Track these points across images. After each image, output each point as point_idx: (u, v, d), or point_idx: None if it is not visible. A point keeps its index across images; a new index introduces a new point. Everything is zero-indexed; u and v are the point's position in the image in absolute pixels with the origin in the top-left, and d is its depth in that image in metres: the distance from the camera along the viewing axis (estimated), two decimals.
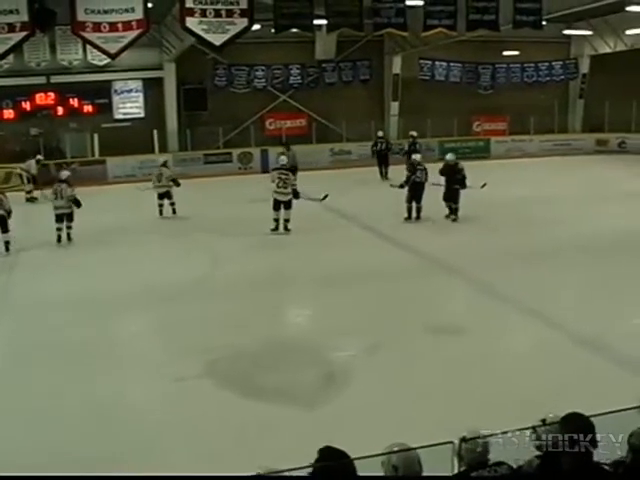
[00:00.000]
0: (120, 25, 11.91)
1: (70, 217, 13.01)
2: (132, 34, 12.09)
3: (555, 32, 22.54)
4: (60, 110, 21.28)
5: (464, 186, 13.71)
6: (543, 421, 3.56)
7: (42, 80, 20.87)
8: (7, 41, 11.70)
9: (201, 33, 12.25)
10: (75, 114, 21.45)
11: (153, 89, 22.28)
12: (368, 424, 5.50)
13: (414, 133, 20.79)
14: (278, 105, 23.98)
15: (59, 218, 12.97)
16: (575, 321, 8.10)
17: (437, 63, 24.66)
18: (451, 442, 3.48)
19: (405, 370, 6.88)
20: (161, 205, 15.33)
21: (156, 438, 5.74)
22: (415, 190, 13.98)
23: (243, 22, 12.28)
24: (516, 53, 25.01)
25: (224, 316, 8.67)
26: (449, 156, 14.45)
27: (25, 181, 18.38)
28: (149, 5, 12.27)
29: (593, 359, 7.10)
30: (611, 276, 9.80)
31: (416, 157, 14.81)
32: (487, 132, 25.48)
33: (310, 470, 3.12)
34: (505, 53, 24.97)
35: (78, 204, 12.95)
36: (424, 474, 3.35)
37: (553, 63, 25.90)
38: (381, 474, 3.34)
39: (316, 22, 14.99)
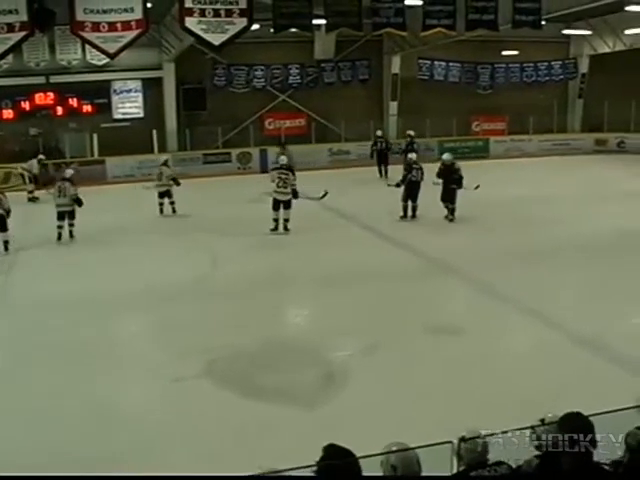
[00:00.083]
0: (119, 25, 11.90)
1: (72, 215, 13.15)
2: (131, 34, 12.08)
3: (554, 32, 22.54)
4: (59, 110, 21.29)
5: (460, 186, 13.73)
6: (542, 421, 3.57)
7: (41, 80, 20.88)
8: (6, 41, 11.68)
9: (200, 33, 12.25)
10: (74, 114, 21.46)
11: (152, 89, 22.28)
12: (367, 424, 5.50)
13: (411, 132, 20.83)
14: (277, 105, 24.00)
15: (61, 216, 13.08)
16: (574, 321, 8.10)
17: (436, 63, 24.68)
18: (450, 442, 3.49)
19: (405, 370, 6.89)
20: (161, 204, 15.48)
21: (156, 438, 5.74)
22: (411, 189, 14.09)
23: (242, 22, 12.28)
24: (515, 53, 25.03)
25: (224, 316, 8.68)
26: (446, 156, 14.49)
27: (27, 181, 18.39)
28: (148, 5, 12.26)
29: (593, 359, 7.11)
30: (610, 276, 9.81)
31: (412, 156, 14.88)
32: (486, 132, 25.50)
33: (315, 468, 3.12)
34: (504, 53, 24.99)
35: (80, 203, 13.08)
36: (423, 474, 3.35)
37: (552, 63, 25.92)
38: (380, 474, 3.34)
39: (315, 22, 14.99)
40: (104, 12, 11.80)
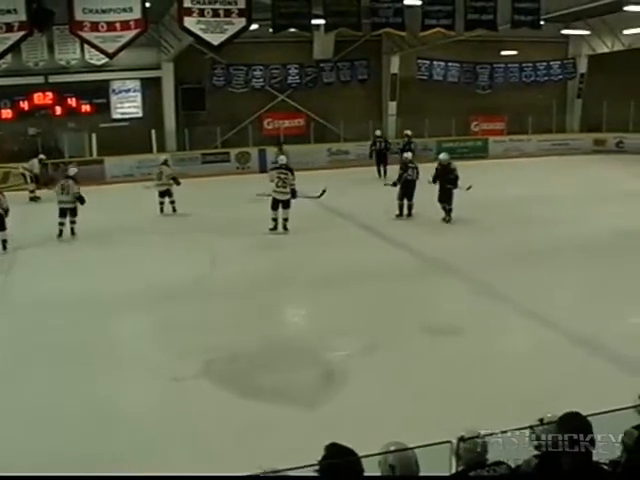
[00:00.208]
0: (118, 25, 11.91)
1: (73, 212, 13.30)
2: (130, 34, 12.09)
3: (553, 32, 22.54)
4: (58, 110, 21.27)
5: (455, 186, 13.74)
6: (541, 421, 3.57)
7: (40, 80, 20.86)
8: (5, 41, 11.69)
9: (199, 33, 12.27)
10: (73, 114, 21.44)
11: (151, 89, 22.27)
12: (366, 424, 5.51)
13: (408, 132, 20.90)
14: (276, 105, 24.00)
15: (62, 213, 13.23)
16: (573, 321, 8.10)
17: (435, 63, 24.68)
18: (449, 442, 3.50)
19: (403, 370, 6.90)
20: (162, 203, 15.60)
21: (156, 438, 5.75)
22: (406, 188, 14.25)
23: (241, 22, 12.30)
24: (514, 53, 25.04)
25: (223, 316, 8.69)
26: (442, 155, 14.53)
27: (28, 180, 18.39)
28: (147, 5, 12.27)
29: (592, 359, 7.12)
30: (610, 276, 9.82)
31: (407, 155, 15.02)
32: (485, 132, 25.51)
33: (316, 467, 3.13)
34: (503, 53, 25.00)
35: (82, 201, 13.25)
36: (422, 474, 3.36)
37: (551, 63, 25.93)
38: (378, 474, 3.35)
39: (314, 22, 14.99)
40: (103, 12, 11.82)
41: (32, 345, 7.79)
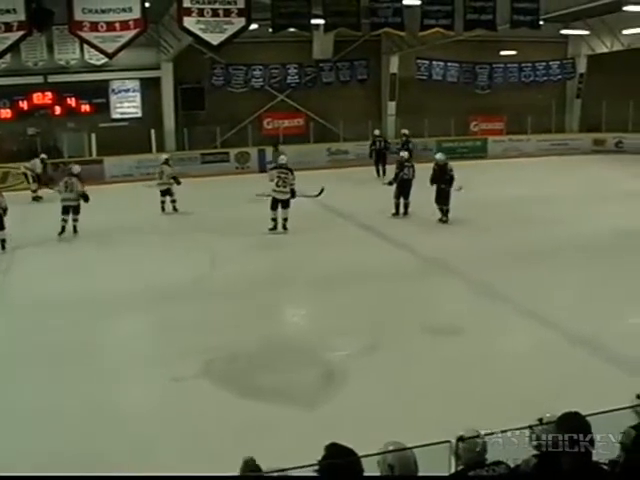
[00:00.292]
0: (117, 25, 11.91)
1: (76, 210, 13.39)
2: (129, 34, 12.09)
3: (552, 32, 22.53)
4: (57, 110, 21.26)
5: (451, 186, 13.73)
6: (540, 420, 3.57)
7: (39, 80, 20.85)
8: (4, 40, 11.68)
9: (199, 33, 12.26)
10: (72, 114, 21.43)
11: (150, 89, 22.25)
12: (366, 424, 5.51)
13: (406, 131, 20.93)
14: (276, 105, 24.00)
15: (65, 210, 13.30)
16: (573, 321, 8.11)
17: (434, 63, 24.67)
18: (448, 441, 3.50)
19: (403, 370, 6.90)
20: (163, 202, 15.73)
21: (156, 438, 5.75)
22: (403, 187, 14.39)
23: (240, 22, 12.29)
24: (513, 53, 25.05)
25: (223, 316, 8.69)
26: (439, 155, 14.56)
27: (30, 180, 18.38)
28: (146, 5, 12.27)
29: (592, 359, 7.13)
30: (610, 276, 9.83)
31: (403, 155, 15.13)
32: (484, 132, 25.51)
33: (316, 467, 3.13)
34: (502, 53, 25.00)
35: (87, 198, 13.34)
36: (421, 473, 3.36)
37: (550, 63, 25.93)
38: (377, 474, 3.35)
39: (313, 22, 15.01)
40: (102, 12, 11.81)
41: (32, 345, 7.79)
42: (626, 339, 7.40)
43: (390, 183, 14.61)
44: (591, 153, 24.88)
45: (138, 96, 22.27)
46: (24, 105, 20.93)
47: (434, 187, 13.80)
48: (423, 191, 13.85)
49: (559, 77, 26.20)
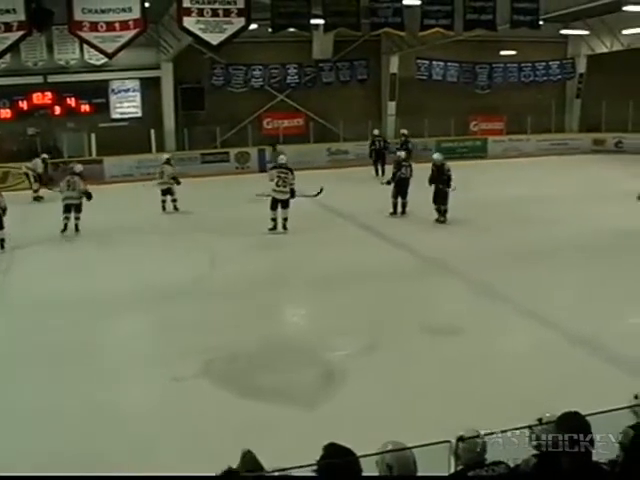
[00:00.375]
0: (117, 25, 11.92)
1: (78, 208, 13.43)
2: (129, 34, 12.10)
3: (552, 32, 22.56)
4: (57, 110, 21.29)
5: (448, 186, 13.73)
6: (539, 420, 3.57)
7: (39, 80, 20.87)
8: (4, 40, 11.69)
9: (198, 32, 12.27)
10: (72, 114, 21.45)
11: (150, 89, 22.27)
12: (366, 424, 5.51)
13: (405, 131, 20.97)
14: (275, 105, 24.02)
15: (67, 208, 13.35)
16: (573, 321, 8.11)
17: (434, 63, 24.70)
18: (448, 441, 3.50)
19: (403, 370, 6.90)
20: (164, 201, 15.79)
21: (156, 438, 5.75)
22: (400, 186, 14.49)
23: (240, 21, 12.30)
24: (513, 53, 25.07)
25: (223, 316, 8.69)
26: (436, 156, 14.57)
27: (32, 180, 18.39)
28: (146, 5, 12.28)
29: (591, 359, 7.13)
30: (609, 276, 9.83)
31: (401, 154, 15.26)
32: (484, 132, 25.54)
33: (315, 467, 3.13)
34: (502, 53, 25.03)
35: (89, 197, 13.43)
36: (421, 473, 3.35)
37: (550, 63, 25.96)
38: (375, 474, 3.35)
39: (313, 22, 15.03)
40: (102, 12, 11.82)
41: (32, 345, 7.79)
42: (626, 339, 7.40)
43: (388, 182, 14.73)
44: (591, 153, 24.90)
45: (138, 96, 22.28)
46: (24, 105, 20.95)
47: (432, 187, 13.82)
48: (422, 191, 13.86)
49: (559, 77, 26.23)
